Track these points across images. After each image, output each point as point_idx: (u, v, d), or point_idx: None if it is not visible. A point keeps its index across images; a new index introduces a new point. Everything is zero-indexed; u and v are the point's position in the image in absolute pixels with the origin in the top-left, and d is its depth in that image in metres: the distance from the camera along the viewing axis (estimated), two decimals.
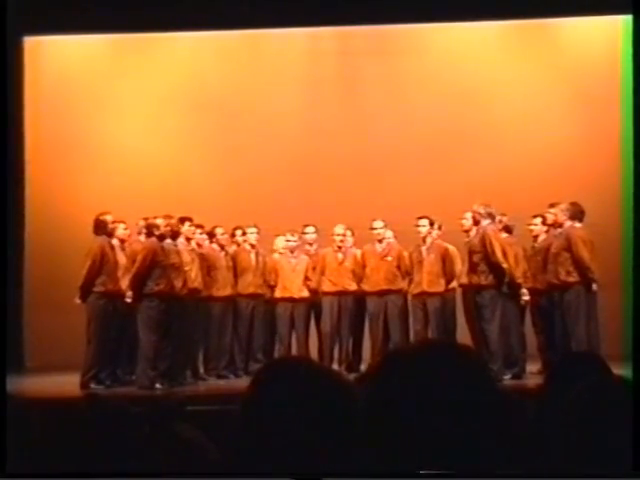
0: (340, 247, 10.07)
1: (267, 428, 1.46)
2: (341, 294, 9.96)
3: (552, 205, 9.24)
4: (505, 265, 8.75)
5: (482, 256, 8.77)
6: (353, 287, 9.98)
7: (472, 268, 8.91)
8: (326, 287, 9.97)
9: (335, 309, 9.94)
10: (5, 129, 10.86)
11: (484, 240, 8.76)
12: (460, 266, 9.57)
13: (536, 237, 9.46)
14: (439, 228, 9.81)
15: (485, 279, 8.78)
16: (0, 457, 1.77)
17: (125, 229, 9.55)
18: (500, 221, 9.40)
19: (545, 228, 9.39)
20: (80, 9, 11.30)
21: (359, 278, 9.97)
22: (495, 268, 8.73)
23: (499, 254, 8.71)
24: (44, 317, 11.34)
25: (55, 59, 12.55)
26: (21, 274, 11.77)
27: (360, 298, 10.03)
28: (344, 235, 10.09)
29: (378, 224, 9.91)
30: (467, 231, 9.26)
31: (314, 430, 1.45)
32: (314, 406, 1.46)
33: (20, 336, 11.50)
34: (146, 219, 9.26)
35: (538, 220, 9.45)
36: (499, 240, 8.89)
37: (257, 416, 1.48)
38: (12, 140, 11.38)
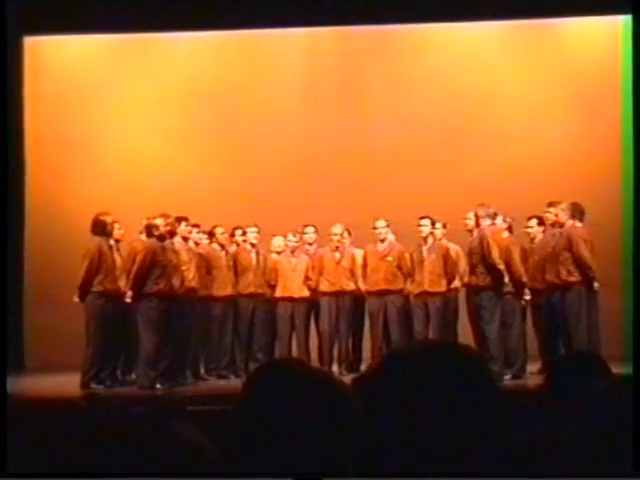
0: (337, 247, 10.07)
1: (259, 429, 1.46)
2: (339, 294, 9.96)
3: (550, 204, 9.26)
4: (502, 267, 8.76)
5: (480, 257, 8.80)
6: (351, 287, 9.98)
7: (471, 269, 8.96)
8: (324, 287, 9.97)
9: (333, 309, 9.93)
10: (5, 129, 10.86)
11: (482, 242, 8.79)
12: (464, 266, 9.57)
13: (533, 239, 9.48)
14: (444, 227, 9.81)
15: (483, 280, 8.80)
16: (0, 457, 1.77)
17: (119, 229, 9.55)
18: (505, 220, 9.41)
19: (542, 228, 9.41)
20: (80, 9, 11.31)
21: (357, 278, 9.98)
22: (492, 270, 8.75)
23: (495, 256, 8.72)
24: (44, 317, 11.34)
25: (55, 59, 12.55)
26: (21, 274, 11.77)
27: (359, 298, 10.03)
28: (341, 235, 10.09)
29: (380, 224, 9.90)
30: (470, 231, 9.25)
31: (307, 431, 1.45)
32: (307, 407, 1.47)
33: (20, 336, 11.51)
34: (149, 219, 9.27)
35: (534, 222, 9.47)
36: (498, 241, 8.89)
37: (249, 417, 1.48)
38: (12, 140, 11.39)
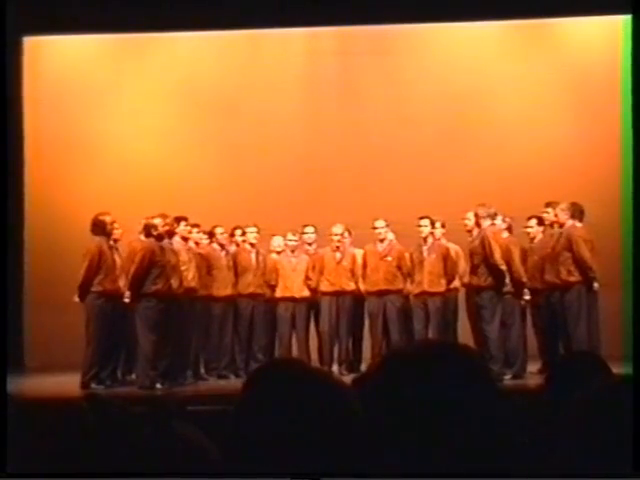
0: (338, 247, 10.08)
1: (259, 429, 1.46)
2: (339, 294, 9.97)
3: (548, 204, 9.27)
4: (504, 267, 8.78)
5: (482, 258, 8.81)
6: (351, 287, 10.00)
7: (473, 269, 8.97)
8: (324, 287, 9.98)
9: (333, 309, 9.95)
10: (5, 129, 10.85)
11: (483, 242, 8.79)
12: (464, 265, 9.58)
13: (533, 239, 9.48)
14: (442, 226, 9.81)
15: (484, 281, 8.81)
16: (0, 457, 1.77)
17: (118, 229, 9.55)
18: (504, 220, 9.41)
19: (541, 228, 9.42)
20: (80, 9, 11.31)
21: (357, 278, 9.99)
22: (494, 270, 8.76)
23: (497, 256, 8.73)
24: (44, 317, 11.34)
25: (55, 59, 12.56)
26: (21, 274, 11.77)
27: (359, 298, 10.03)
28: (342, 235, 10.10)
29: (380, 223, 9.92)
30: (470, 231, 9.25)
31: (307, 431, 1.45)
32: (307, 407, 1.47)
33: (20, 336, 11.51)
34: (148, 219, 9.27)
35: (533, 222, 9.47)
36: (499, 241, 8.90)
37: (249, 417, 1.48)
38: (12, 140, 11.38)
